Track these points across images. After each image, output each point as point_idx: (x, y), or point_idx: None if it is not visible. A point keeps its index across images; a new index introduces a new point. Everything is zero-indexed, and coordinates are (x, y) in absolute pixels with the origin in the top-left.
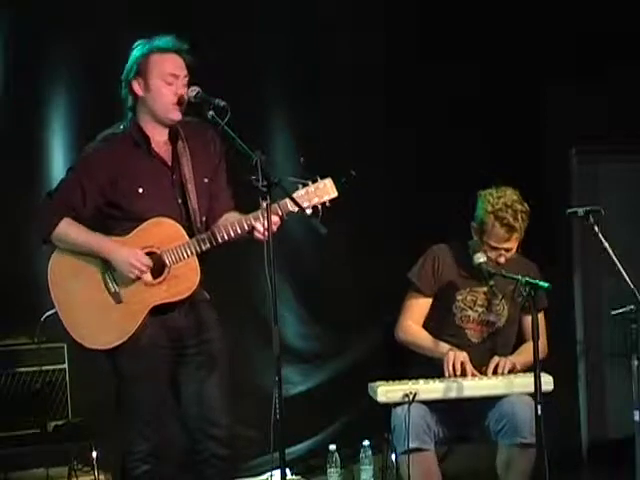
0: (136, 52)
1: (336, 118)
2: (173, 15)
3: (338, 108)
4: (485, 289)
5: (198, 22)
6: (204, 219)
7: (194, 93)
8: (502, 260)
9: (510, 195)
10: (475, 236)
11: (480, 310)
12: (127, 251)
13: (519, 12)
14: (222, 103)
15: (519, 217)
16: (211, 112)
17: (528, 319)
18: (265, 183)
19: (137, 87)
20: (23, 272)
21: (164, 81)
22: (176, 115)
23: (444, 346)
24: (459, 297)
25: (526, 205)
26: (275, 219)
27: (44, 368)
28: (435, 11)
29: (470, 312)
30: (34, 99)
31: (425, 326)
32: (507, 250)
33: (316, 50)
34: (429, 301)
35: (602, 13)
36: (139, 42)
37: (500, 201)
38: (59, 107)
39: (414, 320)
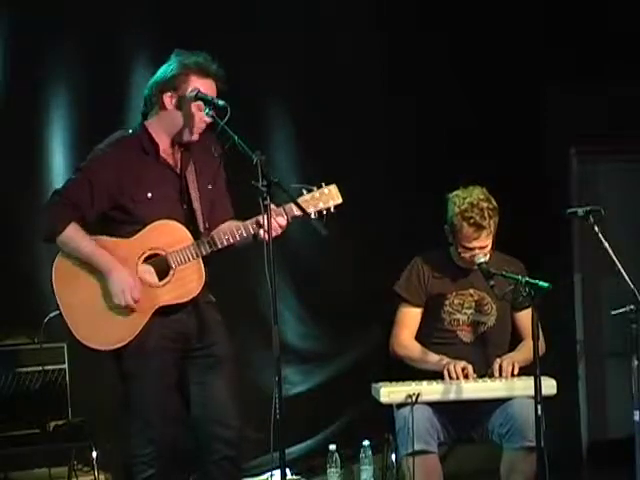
0: (177, 64)
1: (337, 119)
2: (173, 15)
3: (339, 109)
4: (471, 291)
5: (198, 22)
6: (207, 224)
7: (194, 93)
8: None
9: (476, 194)
10: (449, 239)
11: (469, 312)
12: (124, 277)
13: (519, 12)
14: (222, 102)
15: (486, 214)
16: (211, 112)
17: (521, 316)
18: (265, 183)
19: (168, 101)
20: (23, 272)
21: (197, 107)
22: (195, 138)
23: (441, 358)
24: (447, 302)
25: (493, 202)
26: (282, 221)
27: (44, 368)
28: (435, 11)
29: (459, 315)
30: (34, 99)
31: (417, 334)
32: (481, 248)
33: (316, 50)
34: (420, 311)
35: (602, 13)
36: (179, 52)
37: (466, 201)
38: (59, 107)
39: (409, 333)
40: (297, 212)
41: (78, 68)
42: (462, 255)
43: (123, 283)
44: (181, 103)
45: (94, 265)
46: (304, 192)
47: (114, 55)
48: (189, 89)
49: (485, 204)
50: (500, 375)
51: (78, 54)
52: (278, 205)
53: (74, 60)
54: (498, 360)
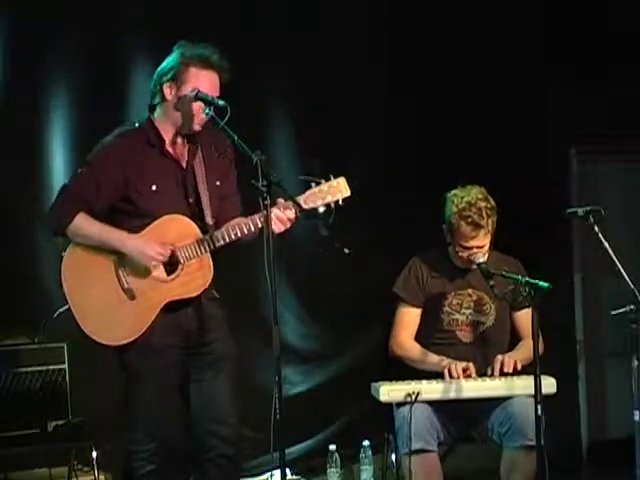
0: (177, 55)
1: (337, 119)
2: (173, 15)
3: (339, 109)
4: (470, 291)
5: (198, 22)
6: (214, 220)
7: (194, 93)
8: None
9: (474, 193)
10: (447, 238)
11: (467, 312)
12: (143, 241)
13: (519, 12)
14: (222, 102)
15: (484, 214)
16: (210, 112)
17: (520, 316)
18: (265, 183)
19: (168, 91)
20: (23, 272)
21: (198, 106)
22: (197, 128)
23: (441, 359)
24: (445, 302)
25: (492, 201)
26: (290, 214)
27: (44, 368)
28: (435, 11)
29: (458, 315)
30: (34, 99)
31: (416, 334)
32: (479, 248)
33: (316, 50)
34: (419, 311)
35: (602, 13)
36: (182, 43)
37: (464, 200)
38: (59, 107)
39: (408, 333)
40: (306, 205)
41: (78, 68)
42: (460, 254)
43: (140, 246)
44: (181, 102)
45: (108, 244)
46: (312, 185)
47: (114, 55)
48: (188, 81)
49: (483, 203)
50: (502, 370)
51: (78, 54)
52: (286, 199)
53: (74, 60)
54: (499, 357)
